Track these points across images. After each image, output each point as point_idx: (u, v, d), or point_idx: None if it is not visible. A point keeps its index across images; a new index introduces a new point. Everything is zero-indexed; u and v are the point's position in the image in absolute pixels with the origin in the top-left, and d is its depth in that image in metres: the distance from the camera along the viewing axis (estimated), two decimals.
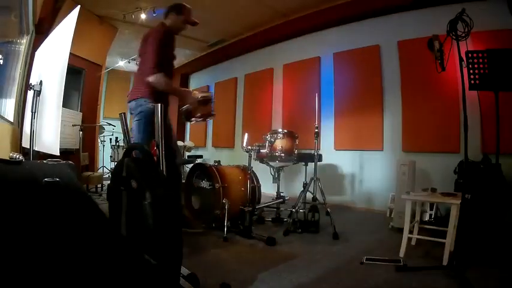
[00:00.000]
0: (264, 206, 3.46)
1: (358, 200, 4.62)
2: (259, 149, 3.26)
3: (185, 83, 8.69)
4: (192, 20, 2.77)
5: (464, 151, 2.12)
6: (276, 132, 3.27)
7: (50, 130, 2.30)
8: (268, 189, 4.30)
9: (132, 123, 2.60)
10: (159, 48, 2.45)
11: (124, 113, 2.09)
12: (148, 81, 2.42)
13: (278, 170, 3.67)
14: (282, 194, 3.65)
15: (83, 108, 5.54)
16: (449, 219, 2.29)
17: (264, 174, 3.92)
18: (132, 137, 2.50)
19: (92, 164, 5.78)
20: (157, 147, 1.65)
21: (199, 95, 2.67)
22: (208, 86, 7.75)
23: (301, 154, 3.54)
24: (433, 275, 2.01)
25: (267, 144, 3.23)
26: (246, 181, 3.11)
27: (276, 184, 3.71)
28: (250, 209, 2.95)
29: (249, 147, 3.14)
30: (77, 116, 5.23)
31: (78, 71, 5.44)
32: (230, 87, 6.94)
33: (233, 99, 6.81)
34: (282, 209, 3.64)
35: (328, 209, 3.03)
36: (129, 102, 2.60)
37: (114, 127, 6.62)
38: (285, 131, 3.28)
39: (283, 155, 3.19)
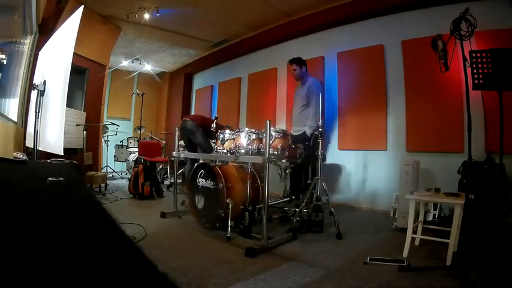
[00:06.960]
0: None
1: (362, 200, 4.60)
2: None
3: (189, 82, 8.72)
4: None
5: (468, 151, 2.11)
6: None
7: (54, 130, 2.32)
8: (276, 188, 4.26)
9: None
10: None
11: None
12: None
13: (285, 169, 3.66)
14: (289, 193, 3.65)
15: (86, 108, 5.58)
16: (452, 219, 2.28)
17: (272, 174, 3.89)
18: None
19: (95, 164, 5.80)
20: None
21: None
22: (212, 86, 7.76)
23: (305, 154, 3.53)
24: (437, 275, 2.00)
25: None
26: (250, 181, 3.11)
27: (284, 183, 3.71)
28: (250, 208, 2.94)
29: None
30: (80, 116, 5.26)
31: (82, 70, 5.47)
32: (234, 87, 6.94)
33: (237, 99, 6.81)
34: (286, 208, 3.63)
35: (332, 209, 3.03)
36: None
37: (118, 127, 6.65)
38: (277, 128, 3.22)
39: (276, 152, 3.09)
